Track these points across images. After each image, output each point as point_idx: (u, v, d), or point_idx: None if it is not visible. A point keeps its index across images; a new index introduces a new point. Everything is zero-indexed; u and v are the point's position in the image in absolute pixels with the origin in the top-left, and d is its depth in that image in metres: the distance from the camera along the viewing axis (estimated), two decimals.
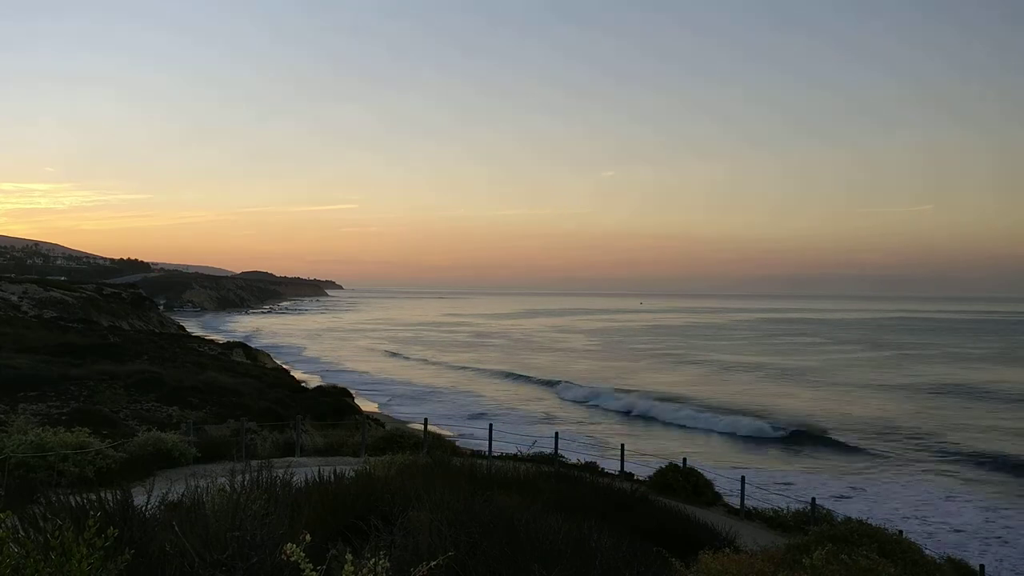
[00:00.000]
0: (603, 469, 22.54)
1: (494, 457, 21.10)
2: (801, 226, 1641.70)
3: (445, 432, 32.96)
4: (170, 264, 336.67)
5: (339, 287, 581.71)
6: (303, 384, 47.32)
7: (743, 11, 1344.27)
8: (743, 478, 20.62)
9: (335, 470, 9.82)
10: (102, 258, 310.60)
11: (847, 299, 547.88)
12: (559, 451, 22.72)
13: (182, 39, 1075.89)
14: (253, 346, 72.34)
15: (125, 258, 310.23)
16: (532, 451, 23.48)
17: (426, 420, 24.81)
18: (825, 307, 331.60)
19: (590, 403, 56.06)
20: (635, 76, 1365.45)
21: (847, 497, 29.76)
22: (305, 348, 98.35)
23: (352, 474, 9.67)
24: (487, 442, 23.17)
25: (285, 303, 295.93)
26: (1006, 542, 25.26)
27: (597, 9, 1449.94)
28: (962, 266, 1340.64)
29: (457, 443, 26.63)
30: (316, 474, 9.27)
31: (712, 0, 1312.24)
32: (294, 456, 18.96)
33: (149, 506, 5.73)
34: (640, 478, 21.58)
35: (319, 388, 44.09)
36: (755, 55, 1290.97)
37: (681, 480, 19.85)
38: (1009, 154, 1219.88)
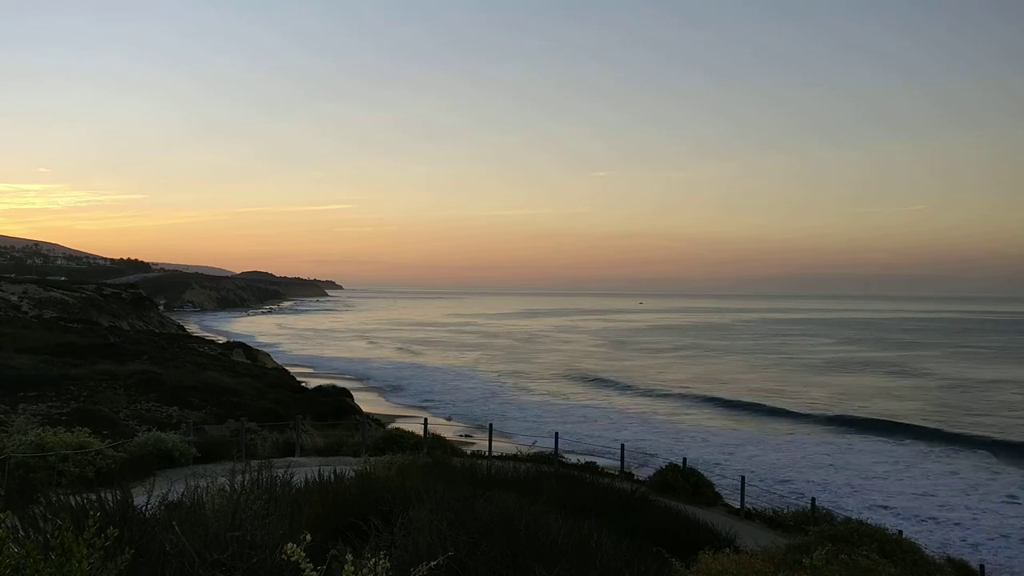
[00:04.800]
0: (603, 469, 22.55)
1: (494, 457, 21.10)
2: (806, 226, 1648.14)
3: (446, 432, 32.97)
4: (170, 264, 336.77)
5: (339, 287, 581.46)
6: (304, 384, 47.32)
7: (747, 9, 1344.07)
8: (743, 478, 20.62)
9: (335, 470, 9.82)
10: (102, 258, 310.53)
11: (851, 299, 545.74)
12: (559, 451, 22.72)
13: (179, 38, 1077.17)
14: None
15: (125, 258, 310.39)
16: (532, 451, 23.51)
17: (426, 420, 24.83)
18: (830, 307, 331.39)
19: None
20: (639, 75, 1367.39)
21: None
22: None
23: (352, 474, 9.67)
24: (487, 443, 23.19)
25: (286, 303, 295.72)
26: None
27: (605, 8, 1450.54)
28: (972, 266, 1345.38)
29: (457, 443, 26.64)
30: (316, 474, 9.28)
31: (721, 1, 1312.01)
32: (294, 456, 18.96)
33: (149, 506, 5.73)
34: (640, 478, 21.59)
35: (319, 388, 44.06)
36: (760, 55, 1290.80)
37: (681, 480, 19.84)
38: (1014, 153, 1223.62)
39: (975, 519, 27.59)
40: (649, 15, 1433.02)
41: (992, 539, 25.36)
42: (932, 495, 30.99)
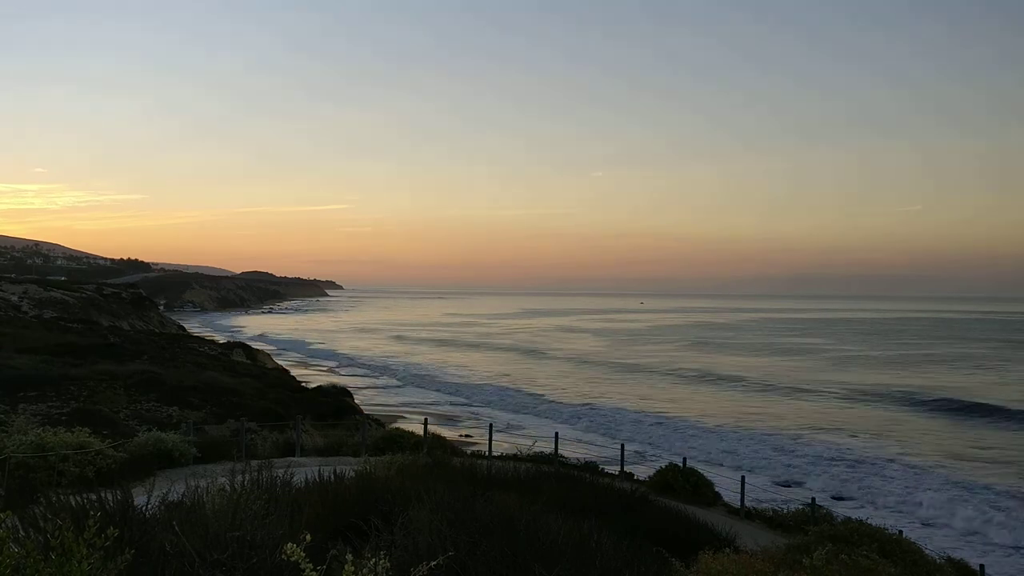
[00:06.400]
0: (603, 469, 22.53)
1: (494, 457, 21.10)
2: (790, 227, 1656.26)
3: (446, 433, 32.97)
4: (170, 264, 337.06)
5: (339, 287, 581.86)
6: (304, 384, 47.32)
7: (734, 11, 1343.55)
8: (743, 478, 20.60)
9: (335, 470, 9.82)
10: (102, 258, 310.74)
11: (839, 299, 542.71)
12: (559, 451, 22.71)
13: (177, 40, 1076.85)
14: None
15: (125, 258, 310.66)
16: (532, 451, 23.49)
17: (426, 420, 24.82)
18: (813, 307, 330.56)
19: None
20: (632, 78, 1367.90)
21: None
22: None
23: (352, 474, 9.67)
24: (487, 443, 23.18)
25: (287, 303, 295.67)
26: None
27: (592, 10, 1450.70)
28: (955, 266, 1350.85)
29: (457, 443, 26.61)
30: (316, 474, 9.27)
31: (709, 3, 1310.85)
32: (294, 456, 18.96)
33: (149, 506, 5.73)
34: (640, 478, 21.59)
35: (319, 388, 44.09)
36: (746, 56, 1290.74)
37: (681, 480, 19.84)
38: (999, 155, 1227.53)
39: None
40: (636, 17, 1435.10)
41: None
42: None
